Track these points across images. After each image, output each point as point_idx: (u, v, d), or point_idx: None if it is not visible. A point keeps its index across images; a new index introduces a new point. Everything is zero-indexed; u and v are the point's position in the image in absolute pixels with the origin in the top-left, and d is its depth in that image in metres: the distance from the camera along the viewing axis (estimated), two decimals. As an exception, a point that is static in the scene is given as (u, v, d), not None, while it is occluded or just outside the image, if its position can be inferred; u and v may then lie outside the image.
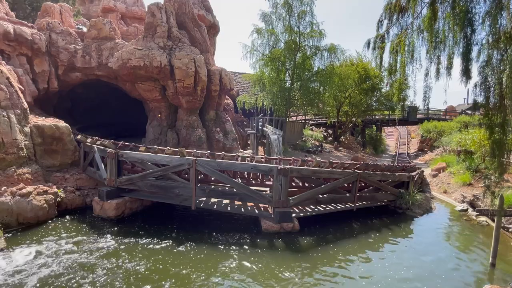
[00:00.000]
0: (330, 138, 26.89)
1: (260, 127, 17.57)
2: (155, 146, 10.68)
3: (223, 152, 10.44)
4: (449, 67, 6.10)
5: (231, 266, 6.46)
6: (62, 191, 9.43)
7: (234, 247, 7.32)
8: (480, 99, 6.09)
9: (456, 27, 5.72)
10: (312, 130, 25.48)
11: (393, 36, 6.90)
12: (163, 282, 5.76)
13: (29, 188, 8.49)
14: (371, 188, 10.51)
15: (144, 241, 7.43)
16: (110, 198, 8.93)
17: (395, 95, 7.29)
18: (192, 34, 15.82)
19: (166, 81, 14.15)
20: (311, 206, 9.48)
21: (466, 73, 5.90)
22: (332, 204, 9.71)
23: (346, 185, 9.77)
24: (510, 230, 8.60)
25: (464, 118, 23.91)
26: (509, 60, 5.45)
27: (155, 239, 7.54)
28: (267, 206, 9.02)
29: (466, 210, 10.65)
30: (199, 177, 9.62)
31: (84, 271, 6.00)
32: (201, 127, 15.27)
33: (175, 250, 7.03)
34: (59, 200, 9.08)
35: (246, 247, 7.35)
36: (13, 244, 6.98)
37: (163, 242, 7.39)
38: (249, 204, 9.31)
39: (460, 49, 5.85)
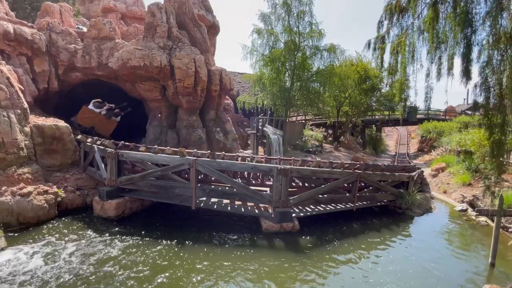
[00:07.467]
0: (330, 138, 26.90)
1: (260, 127, 17.58)
2: (155, 146, 10.68)
3: (223, 152, 10.45)
4: (450, 68, 6.11)
5: (231, 266, 6.46)
6: (63, 191, 9.43)
7: (234, 247, 7.33)
8: (480, 99, 6.09)
9: (457, 27, 5.73)
10: (312, 130, 25.49)
11: (393, 37, 6.89)
12: (163, 283, 5.77)
13: (30, 188, 8.49)
14: (371, 188, 10.52)
15: (144, 241, 7.43)
16: (110, 198, 8.94)
17: (396, 95, 7.30)
18: (192, 34, 15.81)
19: (166, 81, 14.15)
20: (311, 206, 9.49)
21: (466, 74, 5.91)
22: (332, 204, 9.72)
23: (346, 185, 9.77)
24: (510, 230, 8.61)
25: (464, 119, 23.95)
26: (509, 61, 5.46)
27: (155, 239, 7.55)
28: (267, 206, 9.03)
29: (466, 210, 10.67)
30: (199, 177, 9.61)
31: (84, 271, 6.00)
32: (201, 127, 15.27)
33: (175, 250, 7.03)
34: (60, 200, 9.08)
35: (246, 247, 7.36)
36: (13, 243, 6.98)
37: (163, 242, 7.39)
38: (249, 204, 9.32)
39: (461, 50, 5.86)
